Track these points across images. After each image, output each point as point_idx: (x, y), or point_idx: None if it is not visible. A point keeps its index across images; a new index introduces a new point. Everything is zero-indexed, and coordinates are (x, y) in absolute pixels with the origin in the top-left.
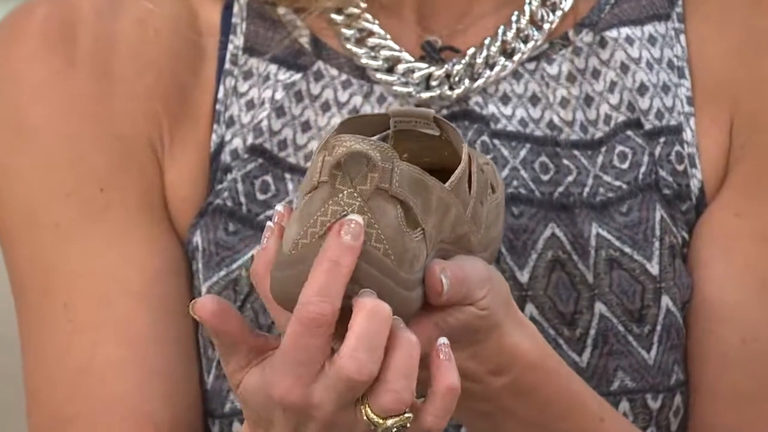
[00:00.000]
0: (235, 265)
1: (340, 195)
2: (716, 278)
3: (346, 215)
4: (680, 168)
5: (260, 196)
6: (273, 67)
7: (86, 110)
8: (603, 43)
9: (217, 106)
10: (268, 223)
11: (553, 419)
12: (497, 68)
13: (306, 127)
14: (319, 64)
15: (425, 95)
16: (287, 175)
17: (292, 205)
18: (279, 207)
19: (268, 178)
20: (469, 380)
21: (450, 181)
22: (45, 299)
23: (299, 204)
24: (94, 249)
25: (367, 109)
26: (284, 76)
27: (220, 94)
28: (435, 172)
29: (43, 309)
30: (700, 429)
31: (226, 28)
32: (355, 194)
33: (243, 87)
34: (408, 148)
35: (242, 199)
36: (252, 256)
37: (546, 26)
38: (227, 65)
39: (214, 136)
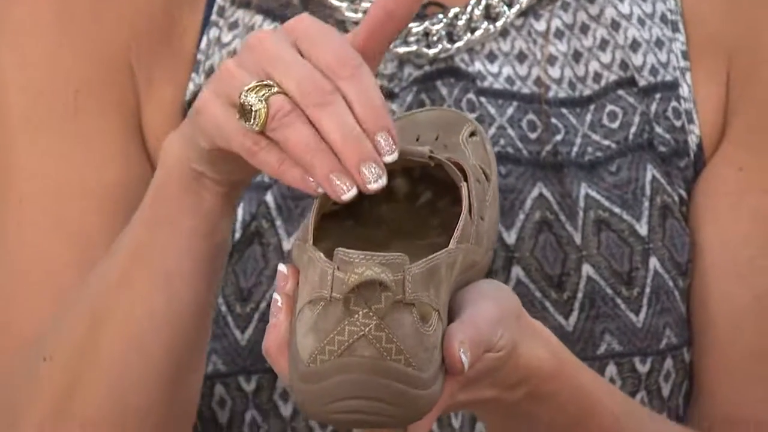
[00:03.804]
0: None
1: (356, 316)
2: (724, 235)
3: (363, 335)
4: (678, 124)
5: None
6: (258, 18)
7: (76, 13)
8: None
9: (198, 56)
10: (275, 295)
11: (575, 421)
12: (479, 32)
13: None
14: None
15: (402, 50)
16: None
17: (294, 262)
18: (282, 268)
19: None
20: (485, 401)
21: (453, 238)
22: (2, 194)
23: (308, 305)
24: (59, 150)
25: None
26: (270, 27)
27: (203, 44)
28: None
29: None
30: (709, 393)
31: None
32: (371, 314)
33: (227, 37)
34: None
35: None
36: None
37: None
38: (213, 16)
39: (191, 85)
